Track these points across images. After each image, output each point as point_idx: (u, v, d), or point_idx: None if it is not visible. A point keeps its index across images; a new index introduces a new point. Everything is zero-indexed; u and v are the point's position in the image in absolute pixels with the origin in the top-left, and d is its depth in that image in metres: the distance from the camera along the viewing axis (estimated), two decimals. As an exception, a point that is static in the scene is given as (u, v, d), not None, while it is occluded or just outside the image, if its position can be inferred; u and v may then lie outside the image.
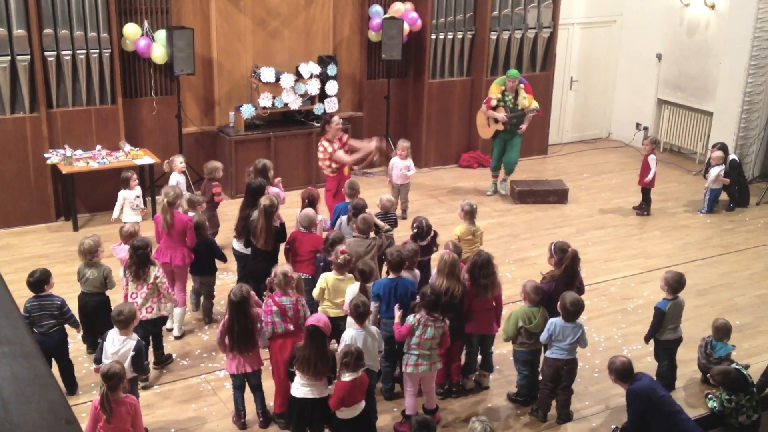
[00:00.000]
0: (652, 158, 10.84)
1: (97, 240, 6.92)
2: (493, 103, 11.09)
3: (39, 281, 6.35)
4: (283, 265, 6.48)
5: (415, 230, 7.42)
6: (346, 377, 5.54)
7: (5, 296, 2.23)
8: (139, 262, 6.60)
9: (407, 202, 10.60)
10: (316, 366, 5.60)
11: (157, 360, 7.03)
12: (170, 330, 7.55)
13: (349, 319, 6.22)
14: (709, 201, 11.18)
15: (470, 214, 7.87)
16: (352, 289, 6.50)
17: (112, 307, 6.36)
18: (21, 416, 1.73)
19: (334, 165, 9.30)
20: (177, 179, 9.09)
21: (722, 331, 7.01)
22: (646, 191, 11.08)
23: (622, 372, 5.88)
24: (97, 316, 6.86)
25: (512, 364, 6.84)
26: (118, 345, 5.92)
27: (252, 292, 6.20)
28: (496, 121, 11.18)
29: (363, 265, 6.64)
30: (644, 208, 11.11)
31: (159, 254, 7.34)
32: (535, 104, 11.16)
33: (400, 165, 10.37)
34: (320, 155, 9.41)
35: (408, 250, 6.77)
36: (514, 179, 11.69)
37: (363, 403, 5.73)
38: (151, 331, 6.83)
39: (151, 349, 6.87)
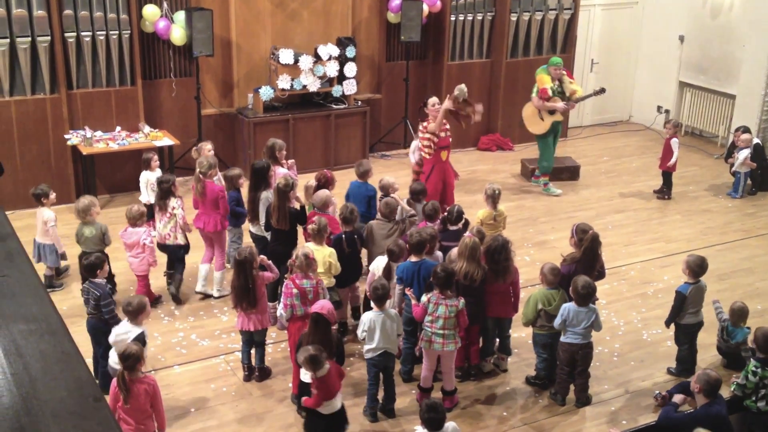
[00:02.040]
0: (674, 142, 10.72)
1: (92, 199, 7.60)
2: (550, 93, 10.67)
3: (90, 266, 6.44)
4: (304, 247, 6.51)
5: (445, 213, 7.43)
6: (315, 375, 5.39)
7: (31, 274, 2.24)
8: (162, 194, 7.62)
9: None
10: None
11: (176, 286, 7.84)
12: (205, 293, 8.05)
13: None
14: (743, 184, 11.02)
15: (492, 199, 7.84)
16: (377, 264, 6.62)
17: (109, 266, 7.09)
18: (48, 393, 1.74)
19: (432, 145, 9.15)
20: None
21: (738, 315, 6.96)
22: (667, 175, 10.97)
23: (712, 388, 5.72)
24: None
25: (531, 347, 6.84)
26: (122, 334, 5.84)
27: (263, 257, 6.58)
28: (551, 112, 10.78)
29: (393, 245, 6.68)
30: (665, 191, 11.01)
31: (196, 219, 7.94)
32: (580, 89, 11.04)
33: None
34: (420, 134, 9.38)
35: (428, 233, 6.76)
36: (527, 158, 11.70)
37: (340, 396, 5.67)
38: (172, 256, 7.84)
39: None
